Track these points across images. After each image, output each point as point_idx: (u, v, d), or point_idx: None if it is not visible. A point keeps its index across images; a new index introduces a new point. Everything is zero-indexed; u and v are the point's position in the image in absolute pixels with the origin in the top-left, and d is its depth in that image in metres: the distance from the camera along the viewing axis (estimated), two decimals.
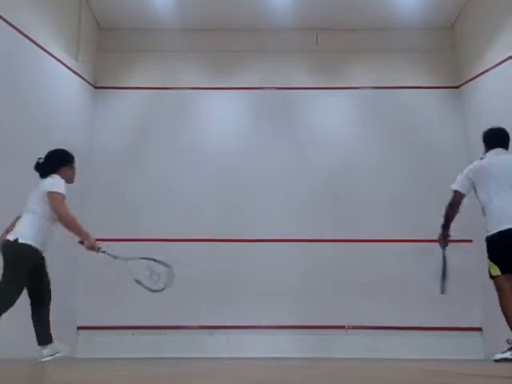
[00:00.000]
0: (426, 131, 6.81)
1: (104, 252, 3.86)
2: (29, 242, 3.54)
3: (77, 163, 4.05)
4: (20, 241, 3.53)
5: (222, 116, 6.92)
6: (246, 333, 6.09)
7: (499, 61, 6.05)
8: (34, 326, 3.54)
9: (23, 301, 5.02)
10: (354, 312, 6.13)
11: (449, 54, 7.02)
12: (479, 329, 6.10)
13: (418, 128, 6.82)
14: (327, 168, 6.68)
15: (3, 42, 5.04)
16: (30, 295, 3.64)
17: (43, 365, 3.17)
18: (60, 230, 5.65)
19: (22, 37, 5.29)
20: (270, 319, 6.15)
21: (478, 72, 6.43)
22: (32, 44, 5.47)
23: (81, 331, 6.15)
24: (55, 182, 3.74)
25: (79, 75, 6.46)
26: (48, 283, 3.72)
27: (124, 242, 6.33)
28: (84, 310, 6.12)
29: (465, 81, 6.72)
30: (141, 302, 6.14)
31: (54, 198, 3.66)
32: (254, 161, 6.72)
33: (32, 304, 3.64)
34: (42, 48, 5.66)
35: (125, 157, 6.71)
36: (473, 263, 6.33)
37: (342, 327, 6.12)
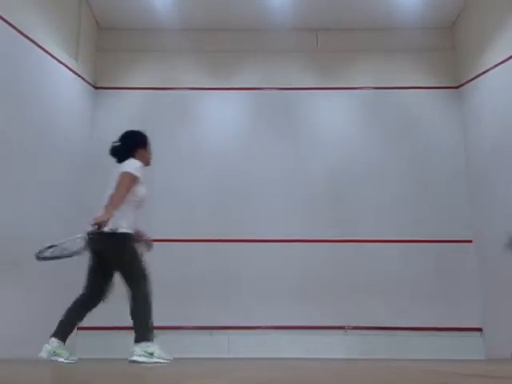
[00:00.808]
0: (426, 131, 6.81)
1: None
2: (125, 230, 3.52)
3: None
4: (120, 231, 3.53)
5: (221, 116, 6.92)
6: (246, 333, 6.10)
7: (499, 61, 6.05)
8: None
9: (23, 300, 5.02)
10: (354, 312, 6.14)
11: (449, 54, 7.02)
12: (479, 329, 6.11)
13: (417, 128, 6.83)
14: (327, 168, 6.68)
15: (2, 42, 5.04)
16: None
17: (43, 365, 3.17)
18: (60, 229, 5.66)
19: (21, 37, 5.29)
20: (270, 319, 6.15)
21: (478, 72, 6.43)
22: (31, 44, 5.47)
23: (81, 331, 6.14)
24: (131, 164, 3.68)
25: (79, 75, 6.46)
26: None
27: None
28: None
29: (465, 81, 6.72)
30: None
31: (122, 177, 3.59)
32: (253, 161, 6.72)
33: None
34: (41, 48, 5.66)
35: None
36: (473, 263, 6.34)
37: (342, 327, 6.13)
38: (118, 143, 3.87)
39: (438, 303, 6.20)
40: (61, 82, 6.10)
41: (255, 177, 6.65)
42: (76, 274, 6.21)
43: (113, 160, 6.81)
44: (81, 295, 3.80)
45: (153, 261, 6.41)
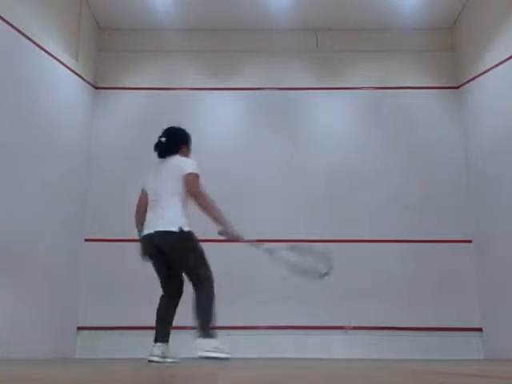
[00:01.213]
0: (426, 131, 6.81)
1: (252, 243, 3.84)
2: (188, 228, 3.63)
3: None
4: (185, 229, 3.64)
5: (221, 116, 6.92)
6: (246, 333, 6.10)
7: (499, 61, 6.05)
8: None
9: (23, 300, 5.02)
10: (354, 312, 6.14)
11: (449, 54, 7.02)
12: (479, 329, 6.11)
13: (417, 128, 6.83)
14: (327, 168, 6.68)
15: (2, 42, 5.04)
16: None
17: (43, 365, 3.17)
18: (59, 229, 5.65)
19: (21, 37, 5.29)
20: (270, 319, 6.16)
21: (478, 72, 6.43)
22: (31, 44, 5.47)
23: (81, 331, 6.15)
24: (190, 162, 3.76)
25: (79, 75, 6.46)
26: None
27: (124, 243, 6.34)
28: (84, 310, 6.12)
29: (465, 81, 6.72)
30: (141, 302, 6.14)
31: (193, 179, 3.66)
32: (254, 161, 6.73)
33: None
34: (41, 48, 5.66)
35: (125, 157, 6.71)
36: (473, 263, 6.34)
37: (342, 327, 6.13)
38: (164, 138, 3.98)
39: (437, 303, 6.20)
40: (61, 82, 6.10)
41: (256, 177, 6.65)
42: (75, 274, 6.23)
43: (116, 161, 6.85)
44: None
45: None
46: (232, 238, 3.72)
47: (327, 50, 7.05)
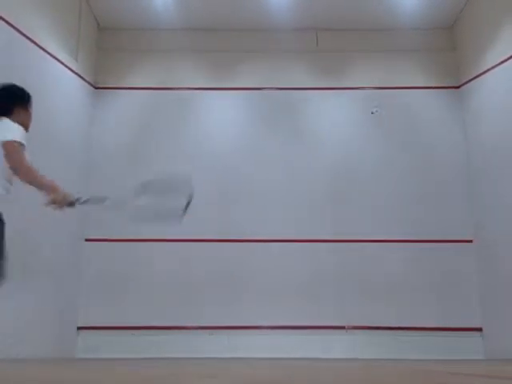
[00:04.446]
0: (427, 131, 6.81)
1: (79, 201, 3.06)
2: None
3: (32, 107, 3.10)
4: None
5: (222, 116, 6.92)
6: (246, 333, 6.09)
7: (499, 61, 6.05)
8: None
9: (24, 300, 5.01)
10: (354, 312, 6.13)
11: (449, 54, 7.01)
12: (479, 329, 6.10)
13: (418, 128, 6.82)
14: (328, 168, 6.68)
15: (2, 42, 5.04)
16: None
17: (44, 364, 3.16)
18: (59, 228, 5.64)
19: (21, 37, 5.29)
20: (270, 319, 6.15)
21: (478, 72, 6.43)
22: (32, 44, 5.47)
23: (81, 331, 6.15)
24: (12, 128, 2.88)
25: (79, 75, 6.46)
26: None
27: (124, 243, 6.35)
28: (84, 310, 6.12)
29: (465, 81, 6.71)
30: (141, 302, 6.16)
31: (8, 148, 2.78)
32: (254, 161, 6.72)
33: None
34: (41, 48, 5.66)
35: (125, 157, 6.70)
36: (473, 263, 6.33)
37: (342, 327, 6.13)
38: None
39: (438, 303, 6.20)
40: (61, 82, 6.10)
41: (257, 177, 6.65)
42: (76, 275, 6.24)
43: (115, 160, 6.85)
44: None
45: (153, 261, 6.44)
46: (67, 205, 2.89)
47: (327, 49, 7.05)
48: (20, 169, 2.90)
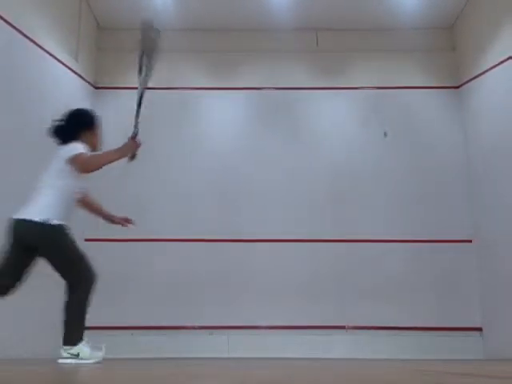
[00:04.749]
0: (426, 131, 6.82)
1: (136, 131, 3.36)
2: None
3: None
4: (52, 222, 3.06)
5: (222, 116, 6.93)
6: (246, 333, 6.10)
7: (499, 61, 6.05)
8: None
9: (23, 300, 5.01)
10: (354, 312, 6.14)
11: (449, 54, 7.02)
12: (479, 329, 6.11)
13: (418, 128, 6.83)
14: (328, 168, 6.68)
15: (2, 42, 5.04)
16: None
17: (44, 364, 3.17)
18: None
19: (21, 36, 5.29)
20: (270, 319, 6.16)
21: (478, 72, 6.43)
22: (31, 43, 5.47)
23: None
24: (75, 147, 3.14)
25: (79, 75, 6.46)
26: None
27: (124, 242, 6.35)
28: None
29: (465, 81, 6.72)
30: (141, 301, 6.16)
31: (76, 160, 3.02)
32: (254, 161, 6.73)
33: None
34: (41, 48, 5.66)
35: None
36: (473, 263, 6.34)
37: (342, 327, 6.13)
38: (62, 122, 3.35)
39: (438, 303, 6.20)
40: (61, 82, 6.10)
41: (257, 176, 6.66)
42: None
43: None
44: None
45: (153, 261, 6.44)
46: (136, 147, 3.24)
47: (327, 49, 7.06)
48: (95, 165, 3.29)
